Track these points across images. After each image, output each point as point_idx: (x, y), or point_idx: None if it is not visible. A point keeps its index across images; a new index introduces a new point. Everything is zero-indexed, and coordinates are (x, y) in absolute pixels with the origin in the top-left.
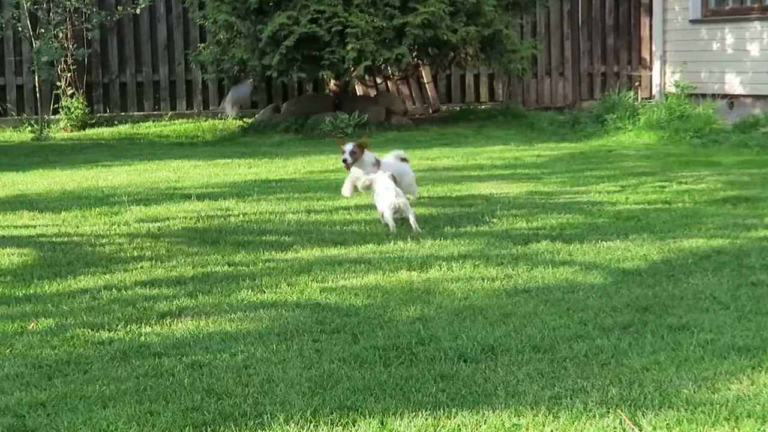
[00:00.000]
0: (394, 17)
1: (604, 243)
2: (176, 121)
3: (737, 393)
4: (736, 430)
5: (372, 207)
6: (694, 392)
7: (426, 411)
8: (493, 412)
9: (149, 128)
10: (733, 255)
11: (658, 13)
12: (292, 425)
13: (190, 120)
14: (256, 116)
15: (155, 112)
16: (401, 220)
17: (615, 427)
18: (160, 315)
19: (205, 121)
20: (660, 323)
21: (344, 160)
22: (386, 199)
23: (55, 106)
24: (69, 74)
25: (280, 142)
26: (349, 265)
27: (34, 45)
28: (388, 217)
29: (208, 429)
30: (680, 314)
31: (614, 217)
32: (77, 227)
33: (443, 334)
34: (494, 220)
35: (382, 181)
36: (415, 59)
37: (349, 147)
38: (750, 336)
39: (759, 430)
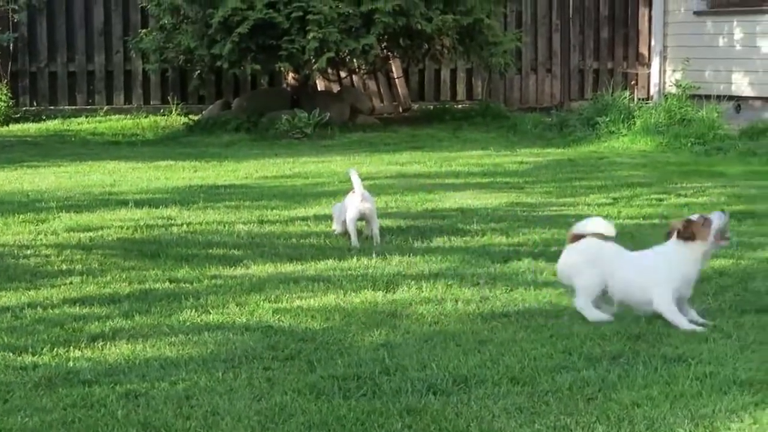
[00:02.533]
0: (361, 3)
1: None
2: (113, 117)
3: None
4: None
5: (330, 218)
6: (691, 431)
7: None
8: None
9: (82, 124)
10: (736, 278)
11: (659, 3)
12: None
13: (129, 116)
14: (204, 113)
15: (89, 107)
16: (365, 228)
17: None
18: (91, 337)
19: (146, 117)
20: (653, 353)
21: None
22: (352, 203)
23: None
24: None
25: (230, 142)
26: (305, 283)
27: None
28: (351, 227)
29: None
30: (676, 344)
31: None
32: None
33: (410, 362)
34: (470, 234)
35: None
36: (385, 51)
37: None
38: (753, 369)
39: None
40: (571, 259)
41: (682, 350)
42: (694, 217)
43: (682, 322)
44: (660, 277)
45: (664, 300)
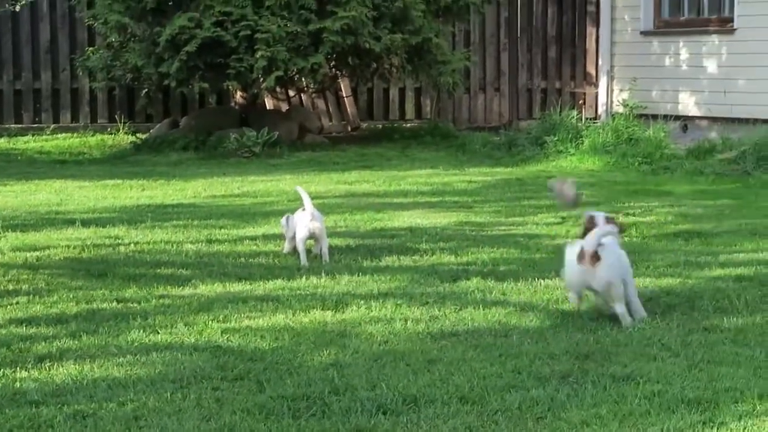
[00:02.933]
0: (309, 22)
1: (542, 281)
2: (59, 136)
3: None
4: None
5: (280, 237)
6: None
7: None
8: None
9: (28, 143)
10: (684, 296)
11: (606, 23)
12: None
13: (76, 134)
14: (151, 131)
15: (35, 125)
16: (314, 247)
17: None
18: (38, 358)
19: (93, 135)
20: (602, 372)
21: None
22: (302, 221)
23: None
24: None
25: (178, 161)
26: (254, 302)
27: None
28: (300, 246)
29: None
30: (625, 362)
31: (553, 252)
32: None
33: (360, 382)
34: (419, 253)
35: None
36: (333, 70)
37: None
38: (701, 387)
39: None
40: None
41: (631, 369)
42: None
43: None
44: None
45: None
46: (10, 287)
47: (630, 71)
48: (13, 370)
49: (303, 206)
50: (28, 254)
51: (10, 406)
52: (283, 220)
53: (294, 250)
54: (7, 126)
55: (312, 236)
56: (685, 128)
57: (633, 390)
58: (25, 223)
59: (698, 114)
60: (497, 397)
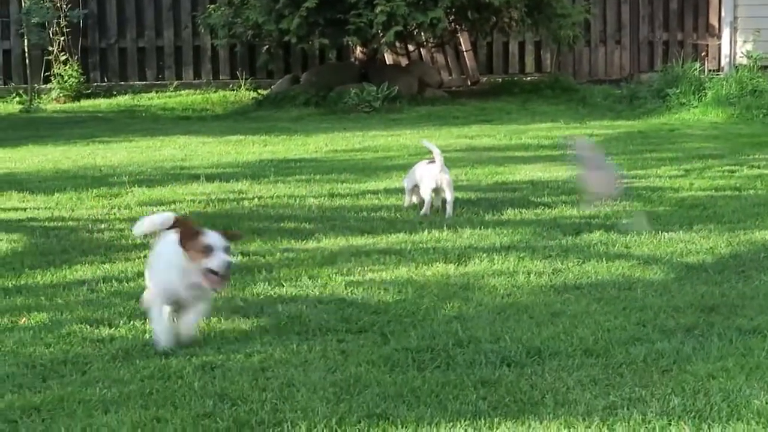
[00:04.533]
0: None
1: (666, 234)
2: (182, 92)
3: None
4: None
5: (401, 191)
6: (767, 403)
7: (465, 421)
8: (541, 423)
9: (152, 100)
10: None
11: None
12: None
13: (198, 91)
14: (273, 87)
15: (159, 82)
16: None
17: None
18: None
19: (215, 92)
20: (728, 325)
21: None
22: (430, 172)
23: (47, 74)
24: (62, 38)
25: (299, 116)
26: (377, 256)
27: (23, 5)
28: (427, 196)
29: None
30: (751, 315)
31: (677, 204)
32: (72, 211)
33: (484, 335)
34: (541, 207)
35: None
36: (453, 24)
37: None
38: None
39: None
40: None
41: (757, 322)
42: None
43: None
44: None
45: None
46: (137, 241)
47: (754, 22)
48: (143, 322)
49: (428, 159)
50: (155, 209)
51: (140, 357)
52: (405, 179)
53: (414, 204)
54: (131, 83)
55: (439, 188)
56: None
57: (760, 343)
58: (150, 179)
59: None
60: (622, 350)
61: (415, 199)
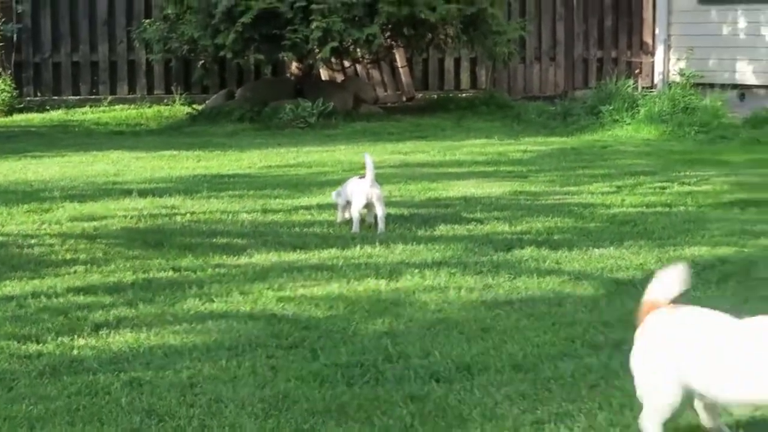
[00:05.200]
0: None
1: (596, 250)
2: (116, 107)
3: (744, 418)
4: None
5: (334, 207)
6: (693, 418)
7: None
8: None
9: (86, 114)
10: (739, 265)
11: None
12: None
13: (133, 106)
14: (207, 102)
15: (93, 97)
16: (367, 216)
17: None
18: (96, 326)
19: (149, 107)
20: None
21: None
22: (360, 188)
23: None
24: None
25: (234, 131)
26: (309, 271)
27: None
28: (356, 214)
29: None
30: None
31: (608, 221)
32: (2, 226)
33: (413, 350)
34: (473, 222)
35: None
36: (388, 40)
37: None
38: None
39: None
40: None
41: None
42: None
43: None
44: None
45: None
46: (68, 256)
47: (687, 40)
48: (71, 338)
49: (360, 174)
50: (86, 224)
51: (68, 373)
52: (334, 193)
53: (347, 220)
54: (65, 98)
55: (369, 203)
56: (742, 97)
57: None
58: (83, 194)
59: (756, 83)
60: (550, 365)
61: (347, 215)
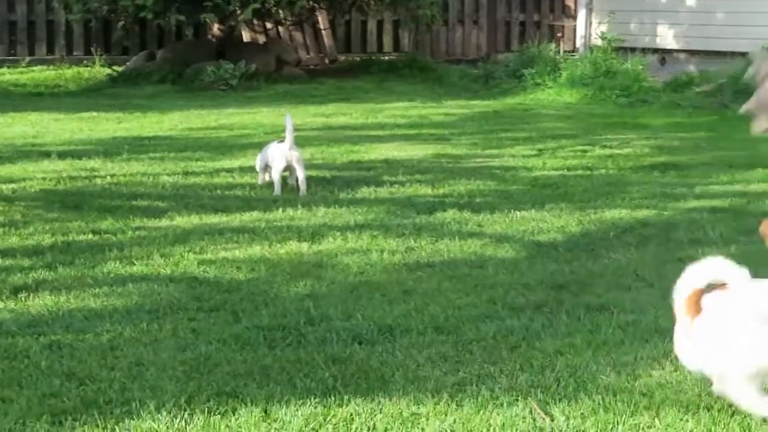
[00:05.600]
0: None
1: (518, 213)
2: (35, 68)
3: (659, 380)
4: (656, 419)
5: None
6: (613, 379)
7: (315, 398)
8: (390, 399)
9: (3, 75)
10: (659, 228)
11: None
12: (164, 413)
13: (52, 67)
14: (127, 64)
15: (11, 57)
16: (289, 178)
17: (524, 417)
18: (14, 289)
19: (69, 68)
20: (577, 302)
21: None
22: (280, 151)
23: None
24: None
25: (155, 93)
26: (230, 234)
27: None
28: (277, 176)
29: (69, 417)
30: (599, 293)
31: (530, 184)
32: None
33: (335, 312)
34: (396, 185)
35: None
36: (311, 2)
37: None
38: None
39: (681, 420)
40: None
41: (605, 299)
42: None
43: None
44: None
45: None
46: None
47: (609, 4)
48: None
49: (280, 138)
50: (4, 186)
51: None
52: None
53: (269, 182)
54: None
55: (289, 166)
56: (663, 61)
57: (607, 320)
58: (0, 156)
59: (676, 47)
60: (472, 327)
61: (268, 177)
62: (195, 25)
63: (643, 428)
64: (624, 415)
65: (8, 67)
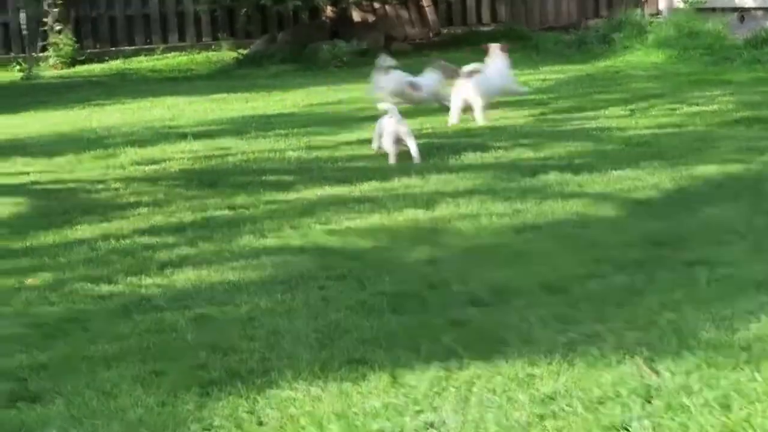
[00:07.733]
0: None
1: (614, 172)
2: (169, 55)
3: (756, 332)
4: (756, 373)
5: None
6: (713, 334)
7: (438, 362)
8: (507, 361)
9: (141, 63)
10: (749, 181)
11: None
12: (301, 382)
13: (184, 53)
14: (251, 47)
15: (147, 46)
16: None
17: (632, 375)
18: (161, 265)
19: (199, 53)
20: (675, 258)
21: None
22: (388, 126)
23: (43, 43)
24: (56, 9)
25: (277, 73)
26: (352, 204)
27: None
28: (389, 147)
29: (215, 389)
30: (696, 247)
31: (624, 143)
32: (72, 172)
33: (453, 277)
34: (500, 150)
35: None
36: None
37: None
38: None
39: None
40: None
41: (702, 254)
42: None
43: None
44: None
45: None
46: (132, 199)
47: None
48: (139, 277)
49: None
50: (147, 168)
51: (138, 312)
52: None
53: (382, 149)
54: (122, 48)
55: (399, 139)
56: (742, 19)
57: (704, 274)
58: (142, 139)
59: (753, 5)
60: (579, 285)
61: (382, 148)
62: (310, 9)
63: (744, 383)
64: (725, 370)
65: (145, 55)
